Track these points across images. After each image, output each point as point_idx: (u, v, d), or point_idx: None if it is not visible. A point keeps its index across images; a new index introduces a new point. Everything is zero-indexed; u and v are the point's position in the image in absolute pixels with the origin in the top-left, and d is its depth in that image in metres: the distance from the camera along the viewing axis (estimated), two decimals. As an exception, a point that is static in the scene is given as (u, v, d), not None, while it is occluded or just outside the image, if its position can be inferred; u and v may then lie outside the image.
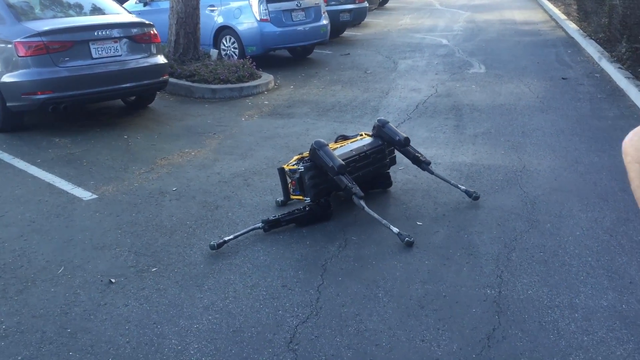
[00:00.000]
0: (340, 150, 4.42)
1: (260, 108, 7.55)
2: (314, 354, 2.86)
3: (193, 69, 8.46)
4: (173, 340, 3.00)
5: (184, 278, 3.57)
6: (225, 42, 9.88)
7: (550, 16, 14.96)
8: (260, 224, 4.07)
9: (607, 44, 9.62)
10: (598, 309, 3.13)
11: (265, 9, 9.49)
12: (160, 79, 7.02)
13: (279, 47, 9.98)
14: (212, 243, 3.86)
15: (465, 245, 3.86)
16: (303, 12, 10.00)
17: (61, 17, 6.73)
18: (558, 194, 4.58)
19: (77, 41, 6.21)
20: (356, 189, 4.10)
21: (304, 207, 4.23)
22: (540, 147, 5.64)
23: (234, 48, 9.76)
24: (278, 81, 8.97)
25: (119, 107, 7.67)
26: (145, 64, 6.77)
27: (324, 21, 10.37)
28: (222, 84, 8.20)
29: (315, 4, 10.23)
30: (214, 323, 3.13)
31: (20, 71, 6.05)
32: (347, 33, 13.27)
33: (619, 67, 8.15)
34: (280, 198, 4.53)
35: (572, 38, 11.64)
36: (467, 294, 3.31)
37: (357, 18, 13.05)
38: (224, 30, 9.85)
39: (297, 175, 4.25)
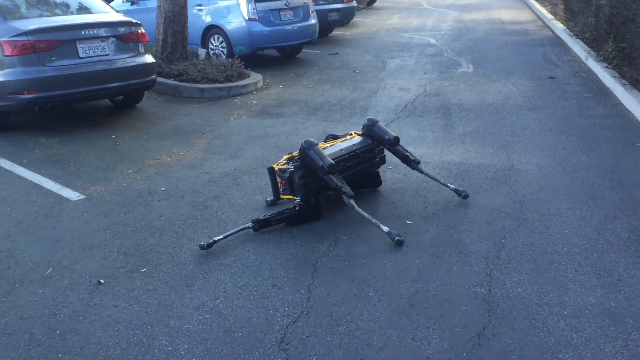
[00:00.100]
0: (330, 150, 4.42)
1: (249, 108, 7.54)
2: (305, 354, 2.86)
3: (181, 68, 8.42)
4: (163, 341, 2.98)
5: (174, 278, 3.56)
6: (213, 42, 9.84)
7: (537, 16, 15.07)
8: (250, 224, 4.06)
9: (594, 43, 9.70)
10: (587, 307, 3.16)
11: (253, 8, 9.47)
12: (148, 78, 6.98)
13: (268, 46, 9.97)
14: (201, 243, 3.85)
15: (455, 243, 3.87)
16: (291, 12, 9.98)
17: (48, 16, 6.66)
18: (546, 193, 4.61)
19: (63, 40, 6.16)
20: (346, 188, 4.11)
21: (294, 207, 4.23)
22: (528, 145, 5.68)
23: (222, 47, 9.72)
24: (267, 81, 8.95)
25: (107, 106, 7.61)
26: (133, 64, 6.73)
27: (313, 20, 10.37)
28: (210, 84, 8.16)
29: (304, 3, 10.22)
30: (205, 323, 3.12)
31: (6, 70, 5.99)
32: (336, 32, 13.27)
33: (606, 67, 8.22)
34: (270, 197, 4.52)
35: (559, 37, 11.73)
36: (457, 292, 3.33)
37: (345, 17, 13.06)
38: (212, 30, 9.81)
39: (287, 175, 4.25)
